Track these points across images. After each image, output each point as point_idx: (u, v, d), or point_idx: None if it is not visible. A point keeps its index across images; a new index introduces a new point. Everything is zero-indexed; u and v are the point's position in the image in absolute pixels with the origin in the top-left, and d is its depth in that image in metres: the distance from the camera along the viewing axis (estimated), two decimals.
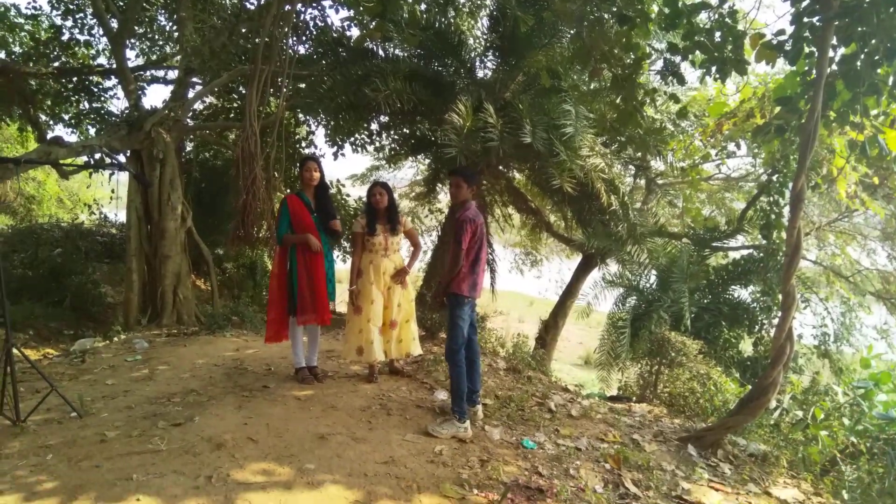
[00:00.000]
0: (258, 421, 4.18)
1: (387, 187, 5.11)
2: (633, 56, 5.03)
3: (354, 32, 9.92)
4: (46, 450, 3.62)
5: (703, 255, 9.28)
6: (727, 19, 4.50)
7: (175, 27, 10.56)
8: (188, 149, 11.24)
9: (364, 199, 11.69)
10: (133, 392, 4.89)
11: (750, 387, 4.81)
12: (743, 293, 8.85)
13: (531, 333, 11.01)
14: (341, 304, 9.56)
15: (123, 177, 9.81)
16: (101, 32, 10.41)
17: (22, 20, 11.05)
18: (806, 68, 4.47)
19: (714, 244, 9.46)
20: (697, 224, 10.78)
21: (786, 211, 7.83)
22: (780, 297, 4.71)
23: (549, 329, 10.94)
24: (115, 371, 5.64)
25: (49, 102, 11.33)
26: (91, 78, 11.30)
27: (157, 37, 11.69)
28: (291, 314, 5.03)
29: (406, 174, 14.57)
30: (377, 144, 10.90)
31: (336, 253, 11.08)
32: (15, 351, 4.07)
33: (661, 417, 5.64)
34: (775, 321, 5.14)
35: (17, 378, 4.13)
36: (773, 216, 8.33)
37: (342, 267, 11.42)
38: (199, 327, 8.02)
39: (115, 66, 9.83)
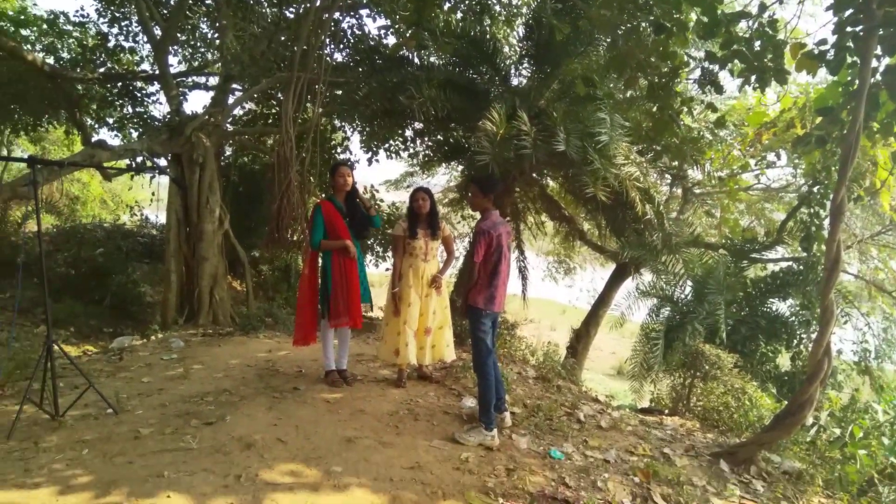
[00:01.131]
0: (287, 422, 4.23)
1: (429, 193, 5.18)
2: (669, 65, 4.98)
3: (391, 41, 10.04)
4: (82, 444, 3.73)
5: (741, 266, 9.09)
6: (767, 28, 4.42)
7: (216, 35, 10.82)
8: (227, 153, 11.48)
9: (399, 204, 11.81)
10: (167, 390, 5.00)
11: (786, 402, 4.70)
12: (781, 306, 8.63)
13: (562, 342, 10.92)
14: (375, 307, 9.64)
15: (164, 180, 10.08)
16: (145, 39, 10.73)
17: (70, 27, 11.46)
18: (848, 78, 4.36)
19: (752, 256, 9.25)
20: (735, 235, 10.55)
21: (826, 223, 7.63)
22: (819, 311, 4.59)
23: (581, 338, 10.83)
24: (151, 369, 5.78)
25: (94, 107, 11.71)
26: (135, 83, 11.66)
27: (198, 44, 12.01)
28: (322, 317, 5.09)
29: (440, 180, 14.61)
30: (411, 151, 10.99)
31: (368, 257, 11.21)
32: (55, 347, 4.20)
33: (694, 431, 5.54)
34: (814, 336, 5.01)
35: (57, 374, 4.27)
36: (813, 228, 8.10)
37: (374, 271, 11.58)
38: (234, 328, 8.16)
39: (157, 72, 10.11)
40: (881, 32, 3.63)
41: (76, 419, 4.21)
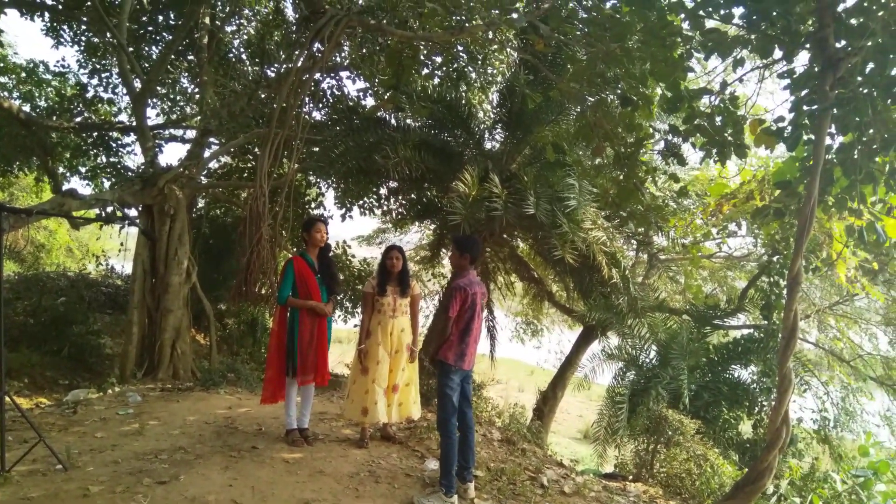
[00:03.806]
0: (244, 483, 4.06)
1: (402, 252, 5.21)
2: (635, 136, 5.15)
3: (369, 102, 10.23)
4: (28, 502, 3.52)
5: (704, 332, 9.19)
6: (728, 105, 4.63)
7: (196, 90, 10.91)
8: (200, 205, 11.39)
9: (370, 260, 11.76)
10: (121, 446, 4.78)
11: (747, 470, 4.68)
12: (743, 373, 8.70)
13: (529, 404, 10.80)
14: (338, 364, 9.44)
15: (133, 230, 9.90)
16: (125, 91, 10.74)
17: (49, 76, 11.45)
18: (805, 154, 4.55)
19: (715, 322, 9.38)
20: (698, 301, 10.73)
21: (785, 292, 7.79)
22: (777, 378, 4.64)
23: (548, 400, 10.74)
24: (106, 424, 5.53)
25: (68, 155, 11.58)
26: (111, 134, 11.59)
27: (178, 98, 12.06)
28: (288, 374, 4.96)
29: (412, 238, 14.68)
30: (385, 208, 11.05)
31: (337, 313, 11.06)
32: (6, 399, 3.99)
33: (656, 499, 5.46)
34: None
35: (7, 427, 4.05)
36: (773, 297, 8.29)
37: (343, 327, 11.43)
38: (194, 383, 7.90)
39: (134, 123, 10.09)
40: (835, 112, 3.83)
41: (23, 475, 3.96)
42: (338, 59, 9.81)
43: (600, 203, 7.63)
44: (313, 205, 11.86)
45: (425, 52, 8.37)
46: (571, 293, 10.06)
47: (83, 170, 11.95)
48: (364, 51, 8.98)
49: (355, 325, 10.38)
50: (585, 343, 10.85)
